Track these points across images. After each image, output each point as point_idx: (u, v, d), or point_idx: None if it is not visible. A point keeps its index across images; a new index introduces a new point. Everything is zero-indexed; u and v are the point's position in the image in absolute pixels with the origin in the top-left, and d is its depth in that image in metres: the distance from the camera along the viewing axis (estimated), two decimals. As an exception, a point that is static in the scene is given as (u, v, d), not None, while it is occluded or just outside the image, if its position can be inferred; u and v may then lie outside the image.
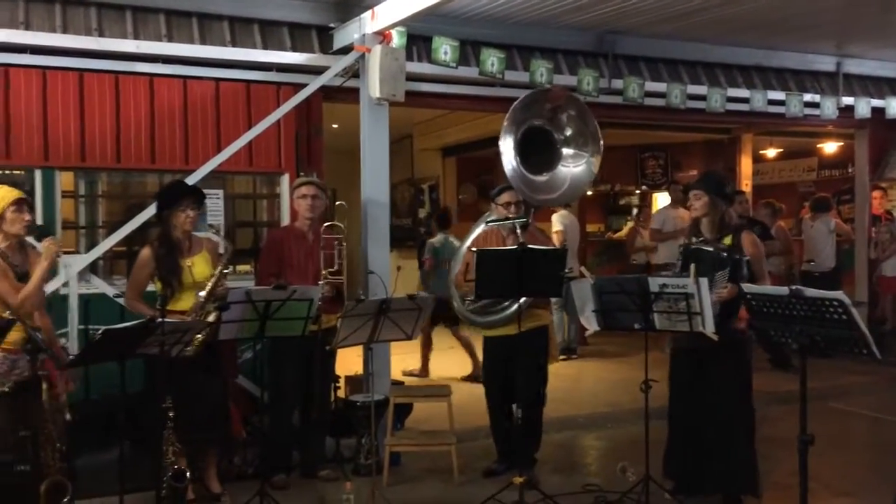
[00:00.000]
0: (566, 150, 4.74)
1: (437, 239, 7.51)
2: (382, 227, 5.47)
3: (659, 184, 12.44)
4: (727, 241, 4.25)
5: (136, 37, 5.18)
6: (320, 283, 4.60)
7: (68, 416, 3.69)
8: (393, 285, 5.01)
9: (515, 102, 4.57)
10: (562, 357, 7.66)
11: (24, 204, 3.71)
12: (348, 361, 5.57)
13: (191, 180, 5.04)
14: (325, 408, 4.92)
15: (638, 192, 12.71)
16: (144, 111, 5.23)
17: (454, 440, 4.78)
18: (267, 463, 4.46)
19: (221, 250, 4.44)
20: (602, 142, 4.72)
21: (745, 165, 10.56)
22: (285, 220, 5.48)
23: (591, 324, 4.26)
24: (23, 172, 5.07)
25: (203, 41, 5.36)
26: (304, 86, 5.48)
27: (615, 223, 12.54)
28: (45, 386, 3.48)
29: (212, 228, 4.72)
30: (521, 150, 4.55)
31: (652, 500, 4.08)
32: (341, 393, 5.34)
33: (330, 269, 4.72)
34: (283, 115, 5.46)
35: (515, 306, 4.35)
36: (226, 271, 4.27)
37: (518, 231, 4.37)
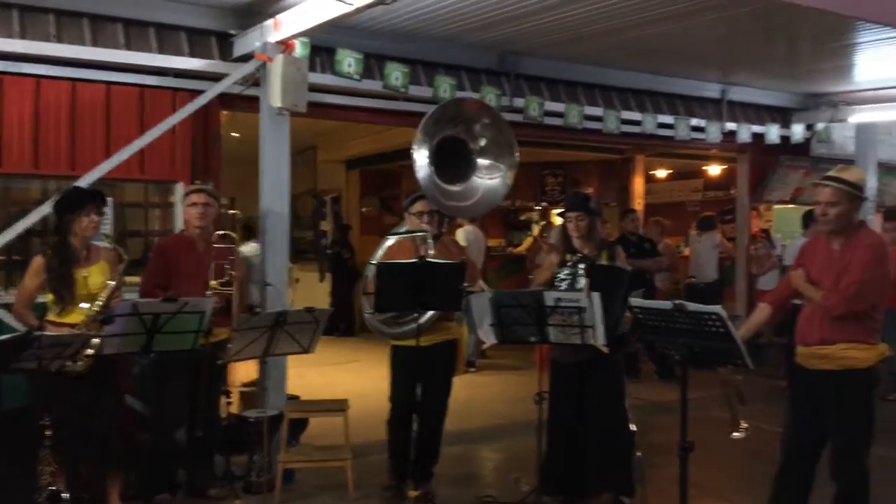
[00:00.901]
0: (481, 161, 4.80)
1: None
2: (281, 238, 5.39)
3: (558, 200, 12.79)
4: (604, 257, 4.43)
5: (23, 36, 4.92)
6: (208, 293, 4.45)
7: None
8: (291, 297, 4.93)
9: (428, 112, 4.60)
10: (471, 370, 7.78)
11: None
12: (243, 375, 5.44)
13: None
14: (213, 424, 4.76)
15: (538, 208, 13.04)
16: (28, 113, 4.98)
17: (349, 455, 4.74)
18: (150, 482, 4.28)
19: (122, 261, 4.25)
20: (518, 153, 4.80)
21: (638, 185, 11.03)
22: (178, 230, 5.31)
23: (488, 337, 4.34)
24: None
25: (95, 43, 5.15)
26: (201, 92, 5.35)
27: (516, 238, 12.81)
28: None
29: (107, 238, 4.50)
30: (436, 159, 4.58)
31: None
32: (234, 408, 5.20)
33: (220, 280, 4.59)
34: (179, 122, 5.31)
35: (424, 318, 4.35)
36: (121, 283, 4.11)
37: (429, 242, 4.37)
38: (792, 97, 8.63)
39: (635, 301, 3.61)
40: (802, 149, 8.94)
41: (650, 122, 7.53)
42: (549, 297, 4.07)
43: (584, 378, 4.32)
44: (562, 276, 4.46)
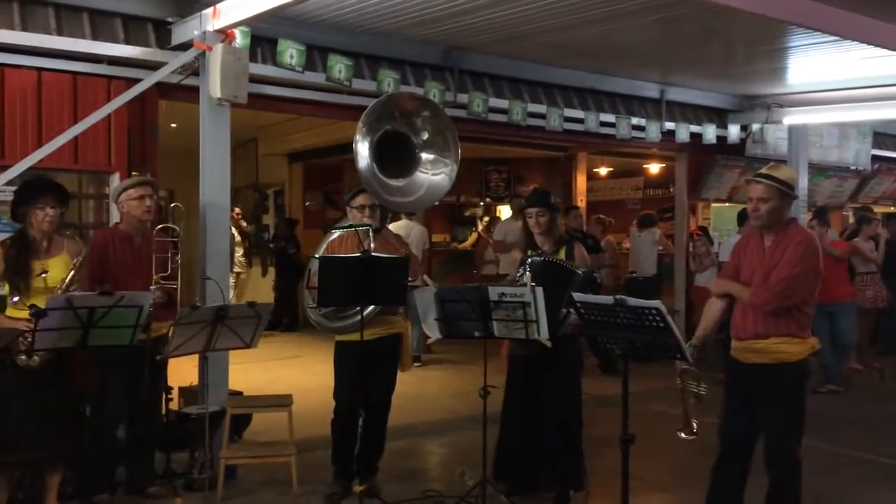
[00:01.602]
0: (425, 155, 4.78)
1: None
2: (222, 231, 5.28)
3: (502, 196, 12.90)
4: (562, 253, 4.50)
5: (-55, 17, 4.70)
6: (152, 287, 4.35)
7: None
8: (232, 291, 4.84)
9: (369, 106, 4.56)
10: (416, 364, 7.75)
11: None
12: (184, 371, 5.32)
13: (6, 176, 4.62)
14: (153, 421, 4.65)
15: (482, 203, 13.11)
16: (-48, 98, 4.75)
17: (294, 451, 4.68)
18: (88, 481, 4.16)
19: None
20: (459, 148, 4.80)
21: (580, 182, 11.20)
22: (114, 222, 5.15)
23: (433, 332, 4.34)
24: None
25: (24, 27, 4.94)
26: (138, 81, 5.19)
27: (460, 234, 12.86)
28: None
29: (69, 229, 4.35)
30: (378, 153, 4.54)
31: (488, 503, 4.21)
32: (174, 405, 5.08)
33: (163, 274, 4.49)
34: (115, 111, 5.13)
35: (366, 311, 4.31)
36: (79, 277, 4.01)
37: (371, 236, 4.34)
38: (728, 98, 8.86)
39: (577, 296, 3.65)
40: (738, 149, 9.19)
41: (592, 120, 7.63)
42: (494, 292, 4.10)
43: (539, 372, 4.38)
44: (521, 270, 4.48)
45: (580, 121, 7.59)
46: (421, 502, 4.47)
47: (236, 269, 9.99)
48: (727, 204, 9.81)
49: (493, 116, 6.91)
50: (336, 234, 4.69)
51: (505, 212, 12.25)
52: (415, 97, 5.20)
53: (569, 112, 7.47)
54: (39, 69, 5.04)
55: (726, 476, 3.84)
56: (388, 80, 6.09)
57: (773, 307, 3.61)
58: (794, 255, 3.61)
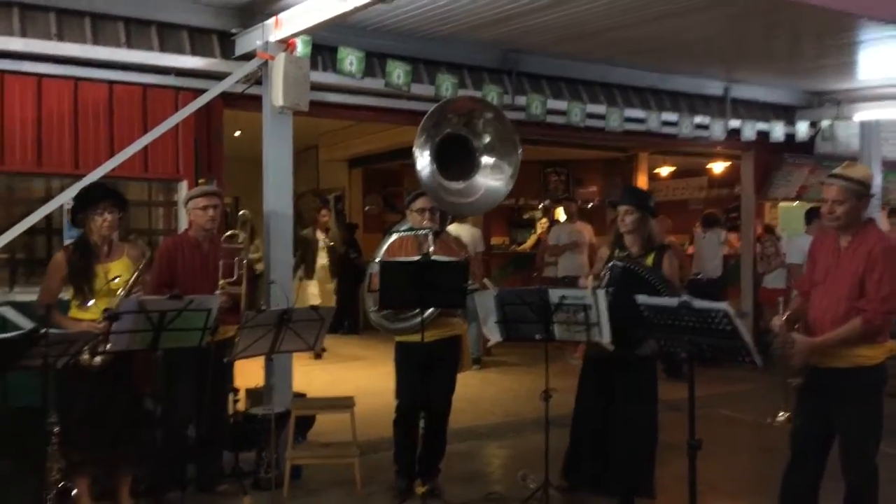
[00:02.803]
0: (486, 159, 4.76)
1: None
2: (285, 237, 5.39)
3: (561, 199, 12.78)
4: (649, 259, 4.38)
5: (24, 35, 4.91)
6: (217, 292, 4.46)
7: None
8: (296, 295, 4.93)
9: (429, 111, 4.57)
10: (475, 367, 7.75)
11: None
12: (250, 373, 5.44)
13: (80, 186, 4.80)
14: (219, 421, 4.77)
15: (541, 206, 13.03)
16: (31, 112, 4.97)
17: (357, 452, 4.73)
18: (160, 479, 4.29)
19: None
20: (520, 153, 4.76)
21: (642, 183, 11.02)
22: (182, 229, 5.31)
23: (493, 334, 4.34)
24: None
25: (96, 41, 5.14)
26: (204, 91, 5.34)
27: (519, 236, 12.81)
28: None
29: (132, 234, 4.49)
30: (439, 156, 4.55)
31: (550, 506, 4.19)
32: (241, 406, 5.20)
33: (228, 280, 4.60)
34: (182, 121, 5.30)
35: (427, 313, 4.32)
36: (143, 280, 4.12)
37: (430, 239, 4.35)
38: (796, 94, 8.61)
39: (641, 298, 3.59)
40: (807, 147, 8.92)
41: (654, 119, 7.51)
42: (554, 295, 4.08)
43: (614, 376, 4.31)
44: (606, 268, 4.39)
45: (641, 121, 7.48)
46: (483, 504, 4.46)
47: (321, 279, 8.85)
48: (795, 203, 9.52)
49: (551, 118, 6.87)
50: (395, 237, 4.73)
51: (563, 214, 12.15)
52: (474, 99, 5.20)
53: (629, 112, 7.37)
54: (111, 82, 5.24)
55: (799, 481, 3.72)
56: (447, 85, 6.11)
57: (883, 323, 3.48)
58: (885, 267, 3.46)
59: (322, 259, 8.90)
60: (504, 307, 4.20)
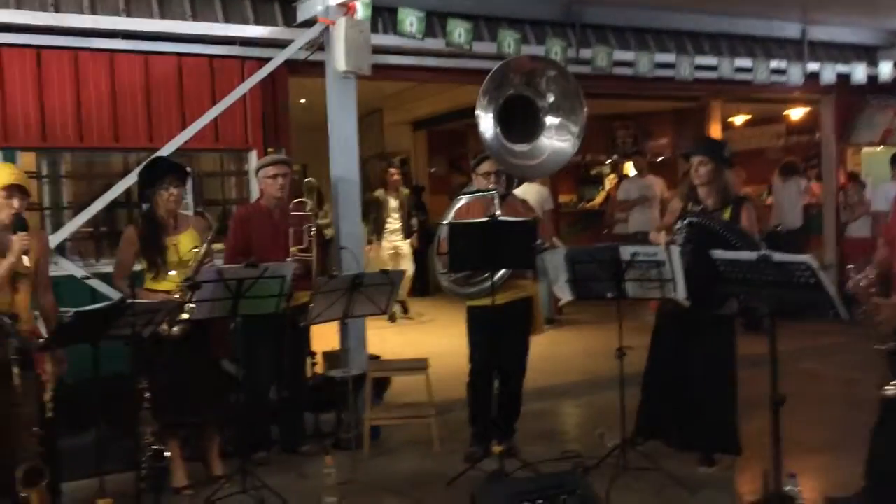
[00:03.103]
0: (550, 119, 4.67)
1: None
2: (353, 202, 5.43)
3: (630, 153, 12.48)
4: (726, 213, 4.25)
5: (94, 12, 5.03)
6: (288, 259, 4.55)
7: (49, 403, 3.59)
8: (367, 259, 4.99)
9: (490, 73, 4.49)
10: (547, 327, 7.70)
11: (16, 190, 3.51)
12: (326, 337, 5.56)
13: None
14: (298, 384, 4.90)
15: (609, 161, 12.76)
16: (105, 88, 5.11)
17: (433, 412, 4.80)
18: (246, 440, 4.45)
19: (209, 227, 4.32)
20: (586, 109, 4.64)
21: (715, 133, 10.59)
22: (254, 198, 5.41)
23: (564, 294, 4.30)
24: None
25: (163, 16, 5.22)
26: (268, 60, 5.39)
27: (587, 193, 12.60)
28: (16, 371, 3.40)
29: (198, 207, 4.60)
30: (503, 118, 4.49)
31: (629, 464, 4.15)
32: (319, 369, 5.33)
33: (299, 247, 4.67)
34: (249, 91, 5.38)
35: (497, 276, 4.31)
36: (211, 250, 4.21)
37: (497, 202, 4.31)
38: (878, 34, 8.12)
39: (717, 254, 3.48)
40: (891, 88, 8.42)
41: (726, 66, 7.20)
42: (626, 252, 4.01)
43: (690, 333, 4.23)
44: (678, 226, 4.30)
45: (713, 68, 7.18)
46: (560, 463, 4.45)
47: (393, 241, 8.68)
48: (880, 148, 9.04)
49: (618, 70, 6.68)
50: (463, 200, 4.71)
51: (632, 169, 11.88)
52: (535, 58, 5.07)
53: (700, 59, 7.10)
54: (179, 55, 5.33)
55: (890, 435, 3.58)
56: (509, 41, 5.99)
57: None
58: None
59: (394, 223, 8.76)
60: (574, 266, 4.15)
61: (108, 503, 3.47)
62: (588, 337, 7.86)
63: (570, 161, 4.86)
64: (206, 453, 4.37)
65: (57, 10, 4.92)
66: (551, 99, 4.65)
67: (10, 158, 4.85)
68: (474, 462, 4.41)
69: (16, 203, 3.51)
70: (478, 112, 4.41)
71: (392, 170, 8.88)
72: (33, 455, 3.42)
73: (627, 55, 6.73)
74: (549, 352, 7.14)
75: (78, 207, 5.14)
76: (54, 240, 4.90)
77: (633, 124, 12.48)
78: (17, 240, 3.46)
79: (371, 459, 4.68)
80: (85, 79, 5.06)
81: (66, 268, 4.98)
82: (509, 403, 4.69)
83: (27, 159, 5.09)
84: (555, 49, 6.21)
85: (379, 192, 8.75)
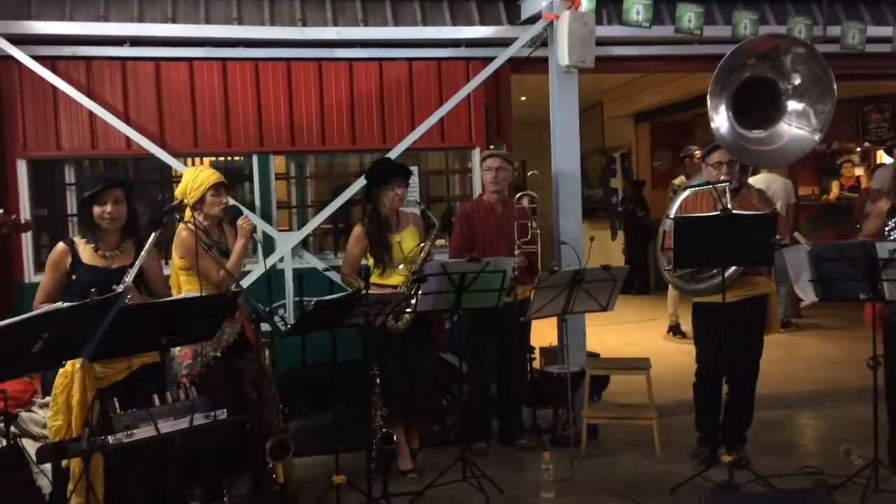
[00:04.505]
0: (793, 104, 4.33)
1: None
2: (574, 198, 5.39)
3: (884, 139, 11.15)
4: None
5: (336, 24, 5.44)
6: (515, 253, 4.62)
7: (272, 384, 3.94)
8: (586, 256, 4.92)
9: (727, 53, 4.23)
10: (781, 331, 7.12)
11: (222, 187, 3.90)
12: (543, 333, 5.58)
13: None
14: (521, 379, 4.97)
15: (859, 149, 11.49)
16: (345, 95, 5.51)
17: (655, 414, 4.63)
18: (467, 430, 4.59)
19: (429, 225, 4.51)
20: (835, 95, 4.23)
21: None
22: (477, 194, 5.56)
23: (807, 294, 3.94)
24: (241, 158, 5.56)
25: (396, 23, 5.53)
26: (492, 59, 5.50)
27: (832, 185, 11.44)
28: (266, 353, 3.78)
29: (419, 205, 4.82)
30: (737, 104, 4.22)
31: (882, 487, 3.72)
32: (536, 364, 5.36)
33: (524, 240, 4.74)
34: (473, 90, 5.52)
35: (728, 272, 4.07)
36: (433, 245, 4.39)
37: (728, 195, 4.06)
38: None
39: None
40: None
41: None
42: (883, 249, 3.59)
43: None
44: (892, 223, 3.89)
45: None
46: (799, 478, 4.10)
47: None
48: None
49: (871, 48, 5.97)
50: (688, 192, 4.49)
51: (886, 157, 10.59)
52: (777, 36, 4.68)
53: (974, 29, 6.15)
54: (410, 59, 5.60)
55: None
56: (745, 23, 5.59)
57: None
58: None
59: None
60: (820, 264, 3.79)
61: (342, 479, 3.75)
62: (829, 343, 7.16)
63: (812, 149, 4.45)
64: (400, 445, 4.42)
65: (304, 25, 5.39)
66: (797, 81, 4.27)
67: (264, 162, 5.41)
68: (702, 462, 4.19)
69: (224, 198, 3.90)
70: (710, 98, 4.17)
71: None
72: (280, 430, 3.78)
73: (883, 30, 6.01)
74: (784, 356, 6.61)
75: (319, 205, 5.59)
76: (299, 235, 5.39)
77: (888, 107, 11.13)
78: (244, 223, 3.85)
79: (588, 458, 4.62)
80: (328, 87, 5.49)
81: (309, 261, 5.45)
82: (740, 409, 4.39)
83: (278, 162, 5.63)
84: (798, 28, 5.70)
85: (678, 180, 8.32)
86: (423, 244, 4.34)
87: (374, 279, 4.40)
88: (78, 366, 3.14)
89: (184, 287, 3.78)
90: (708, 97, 4.20)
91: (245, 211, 4.40)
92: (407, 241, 4.39)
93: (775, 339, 6.73)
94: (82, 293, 2.67)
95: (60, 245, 3.41)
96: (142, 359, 3.33)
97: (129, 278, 3.20)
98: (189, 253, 3.69)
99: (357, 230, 4.47)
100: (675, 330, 7.59)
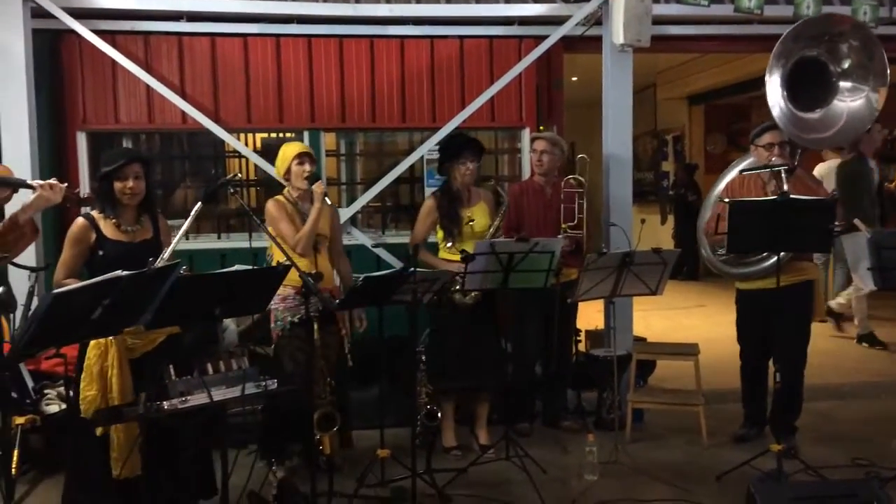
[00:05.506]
0: (843, 84, 4.22)
1: None
2: (625, 179, 5.32)
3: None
4: None
5: (389, 1, 5.43)
6: (560, 236, 4.59)
7: (349, 357, 4.01)
8: (636, 239, 4.86)
9: (787, 31, 4.14)
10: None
11: (306, 157, 4.00)
12: (589, 315, 5.54)
13: (436, 138, 5.25)
14: (565, 360, 4.95)
15: (921, 136, 11.08)
16: (396, 73, 5.51)
17: (702, 401, 4.58)
18: (511, 411, 4.59)
19: (500, 202, 4.50)
20: (888, 70, 4.13)
21: None
22: (526, 175, 5.52)
23: (865, 282, 3.87)
24: (293, 135, 5.61)
25: (449, 0, 5.49)
26: (545, 38, 5.43)
27: (893, 172, 11.06)
28: (315, 326, 3.83)
29: (490, 182, 4.82)
30: (790, 84, 4.12)
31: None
32: (582, 346, 5.33)
33: (570, 223, 4.70)
34: (524, 69, 5.47)
35: (774, 258, 3.99)
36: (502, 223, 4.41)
37: (783, 177, 3.97)
38: None
39: None
40: None
41: None
42: (948, 238, 3.46)
43: None
44: None
45: None
46: (851, 471, 4.02)
47: None
48: None
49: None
50: (735, 174, 4.40)
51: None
52: (834, 17, 4.54)
53: None
54: (461, 37, 5.57)
55: None
56: (808, 2, 5.41)
57: None
58: None
59: None
60: (881, 251, 3.69)
61: (386, 454, 3.81)
62: (885, 333, 6.95)
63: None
64: (475, 418, 4.57)
65: (357, 2, 5.39)
66: (846, 65, 4.20)
67: (315, 138, 5.45)
68: (736, 440, 4.18)
69: (307, 167, 3.98)
70: (767, 78, 4.07)
71: None
72: (328, 402, 3.84)
73: (955, 11, 5.76)
74: (835, 346, 6.45)
75: (368, 183, 5.63)
76: (348, 212, 5.43)
77: (957, 92, 10.69)
78: (317, 187, 3.91)
79: (633, 443, 4.59)
80: (379, 64, 5.49)
81: (357, 237, 5.49)
82: (788, 398, 4.32)
83: (329, 139, 5.67)
84: (863, 8, 5.50)
85: None
86: (492, 224, 4.33)
87: (442, 253, 4.41)
88: (111, 337, 3.20)
89: (276, 256, 3.94)
90: (766, 76, 4.10)
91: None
92: (478, 216, 4.39)
93: (825, 328, 6.60)
94: (107, 268, 2.70)
95: (80, 220, 3.34)
96: (168, 330, 3.36)
97: (168, 250, 3.24)
98: (273, 221, 3.94)
99: (428, 202, 4.47)
100: (869, 339, 6.55)
